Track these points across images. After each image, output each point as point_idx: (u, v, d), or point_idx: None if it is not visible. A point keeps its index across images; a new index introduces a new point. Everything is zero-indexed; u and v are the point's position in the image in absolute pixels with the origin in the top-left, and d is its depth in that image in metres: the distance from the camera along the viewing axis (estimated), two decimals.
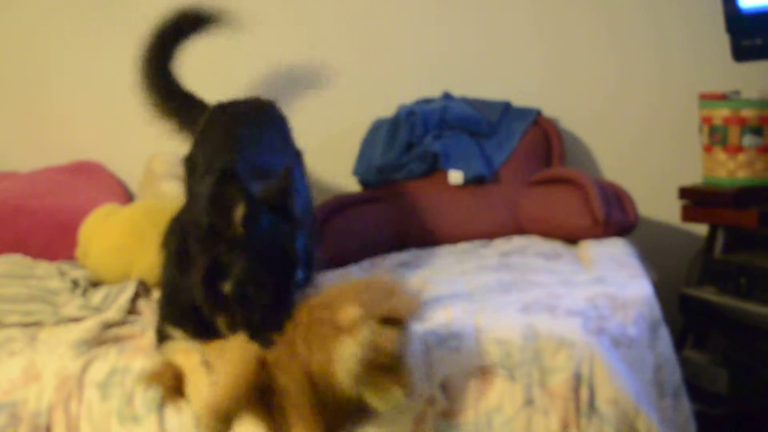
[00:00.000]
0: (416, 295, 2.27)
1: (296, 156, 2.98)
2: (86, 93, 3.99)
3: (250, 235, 2.20)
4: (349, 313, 2.14)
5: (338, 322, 2.14)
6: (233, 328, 2.22)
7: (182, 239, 2.35)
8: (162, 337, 2.44)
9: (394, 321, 2.18)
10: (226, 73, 3.94)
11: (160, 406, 2.32)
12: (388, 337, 2.14)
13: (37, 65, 4.01)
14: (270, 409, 2.18)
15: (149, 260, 2.68)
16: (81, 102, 3.99)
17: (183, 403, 2.30)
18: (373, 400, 2.15)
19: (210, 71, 3.92)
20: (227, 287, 2.19)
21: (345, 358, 2.10)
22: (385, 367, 2.14)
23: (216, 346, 2.28)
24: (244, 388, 2.12)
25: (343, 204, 3.58)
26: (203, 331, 2.32)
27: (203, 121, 3.04)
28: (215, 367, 2.20)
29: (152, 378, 2.33)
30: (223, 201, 2.19)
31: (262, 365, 2.16)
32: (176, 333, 2.39)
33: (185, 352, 2.34)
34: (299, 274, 2.27)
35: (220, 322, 2.27)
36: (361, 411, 2.21)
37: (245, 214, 2.19)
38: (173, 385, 2.31)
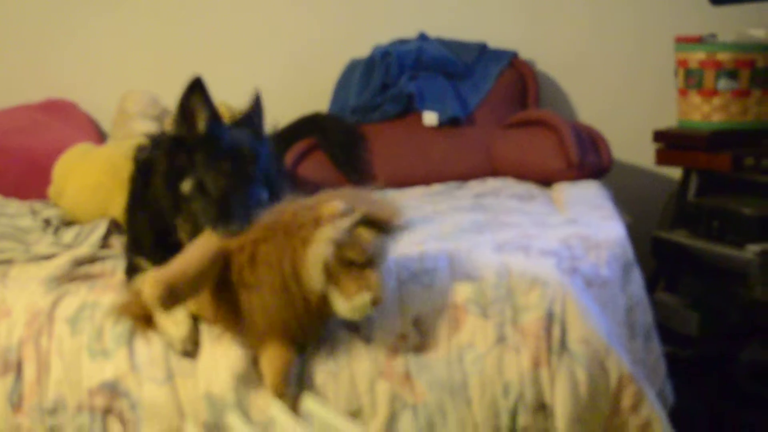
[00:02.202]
0: (399, 208, 2.29)
1: None
2: (59, 30, 3.95)
3: (209, 136, 2.30)
4: (331, 205, 2.17)
5: (320, 215, 2.17)
6: (193, 232, 2.27)
7: (147, 175, 2.40)
8: (132, 270, 2.45)
9: (374, 224, 2.20)
10: (201, 13, 3.92)
11: (130, 340, 2.31)
12: (364, 234, 2.17)
13: (10, 2, 3.96)
14: (237, 305, 2.20)
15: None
16: (54, 39, 3.95)
17: (152, 334, 2.30)
18: (339, 302, 2.15)
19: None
20: (187, 186, 2.28)
21: (318, 246, 2.12)
22: (357, 268, 2.14)
23: None
24: (197, 269, 2.14)
25: (316, 145, 3.55)
26: (169, 257, 2.33)
27: None
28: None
29: (121, 309, 2.33)
30: (188, 109, 2.30)
31: (225, 257, 2.18)
32: (145, 264, 2.40)
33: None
34: (263, 194, 2.34)
35: (181, 226, 2.32)
36: (327, 319, 2.22)
37: (208, 120, 2.31)
38: (142, 315, 2.31)
